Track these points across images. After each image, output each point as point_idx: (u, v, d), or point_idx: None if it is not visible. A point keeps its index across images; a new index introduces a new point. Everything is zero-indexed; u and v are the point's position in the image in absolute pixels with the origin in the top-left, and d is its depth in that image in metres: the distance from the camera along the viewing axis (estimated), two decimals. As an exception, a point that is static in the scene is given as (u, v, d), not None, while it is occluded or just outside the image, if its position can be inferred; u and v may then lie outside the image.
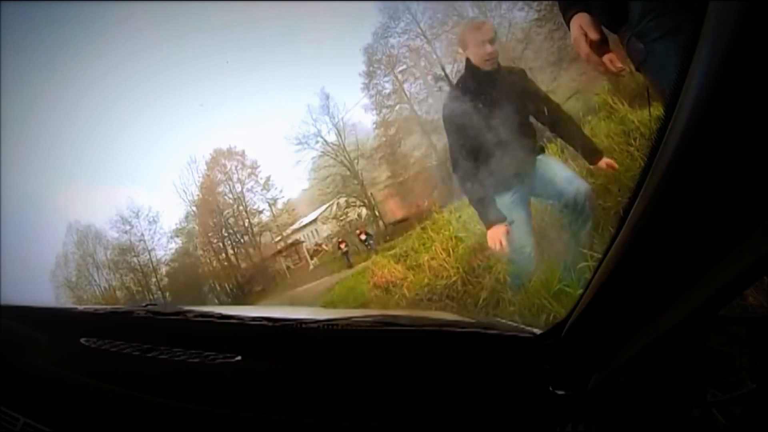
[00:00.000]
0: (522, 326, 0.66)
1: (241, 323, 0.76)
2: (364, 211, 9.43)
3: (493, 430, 0.55)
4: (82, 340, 0.78)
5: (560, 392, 0.52)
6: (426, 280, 3.78)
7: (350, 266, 8.16)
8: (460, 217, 4.35)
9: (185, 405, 0.61)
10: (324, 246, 9.31)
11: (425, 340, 0.67)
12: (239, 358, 0.69)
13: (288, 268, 9.80)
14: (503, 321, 1.01)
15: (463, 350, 0.63)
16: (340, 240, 8.83)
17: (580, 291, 0.50)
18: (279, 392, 0.63)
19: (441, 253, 3.87)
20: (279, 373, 0.67)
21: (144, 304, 0.89)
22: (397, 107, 9.07)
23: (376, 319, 0.75)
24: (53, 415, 0.61)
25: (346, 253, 8.54)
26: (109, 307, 0.93)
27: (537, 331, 0.60)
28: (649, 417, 0.49)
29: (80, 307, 0.99)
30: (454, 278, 3.25)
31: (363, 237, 8.68)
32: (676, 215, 0.29)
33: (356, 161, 9.43)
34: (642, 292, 0.37)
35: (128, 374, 0.69)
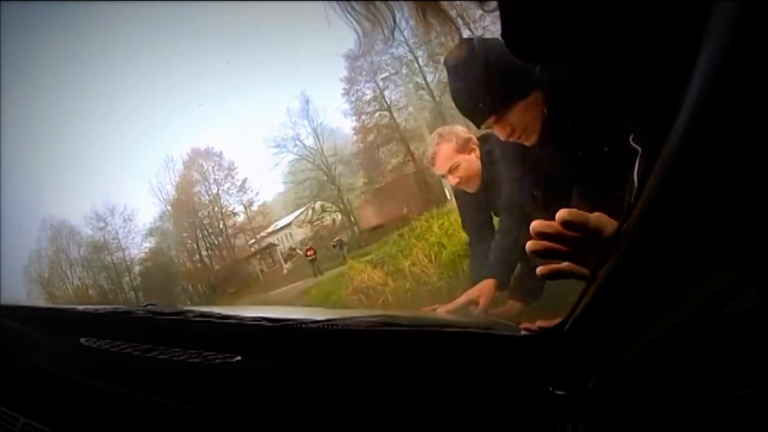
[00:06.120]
0: (522, 326, 0.66)
1: (241, 323, 0.76)
2: (339, 216, 9.37)
3: (492, 430, 0.55)
4: (82, 340, 0.78)
5: (560, 392, 0.52)
6: (407, 286, 3.77)
7: (317, 274, 8.03)
8: (442, 224, 4.31)
9: (185, 405, 0.61)
10: (298, 250, 9.25)
11: (425, 340, 0.67)
12: (239, 358, 0.69)
13: (261, 271, 9.73)
14: (503, 321, 1.01)
15: (464, 350, 0.63)
16: (307, 248, 8.71)
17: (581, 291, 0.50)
18: (279, 392, 0.63)
19: (423, 259, 3.85)
20: (279, 373, 0.67)
21: (144, 304, 0.89)
22: (377, 114, 9.02)
23: (376, 319, 0.75)
24: (53, 415, 0.61)
25: (313, 261, 8.41)
26: (109, 307, 0.93)
27: (537, 330, 0.60)
28: (650, 417, 0.49)
29: (80, 307, 0.99)
30: (438, 284, 3.24)
31: (335, 244, 8.61)
32: (677, 214, 0.29)
33: (334, 166, 9.38)
34: (643, 292, 0.37)
35: (128, 374, 0.69)
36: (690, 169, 0.26)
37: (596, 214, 0.50)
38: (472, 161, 1.50)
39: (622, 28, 0.33)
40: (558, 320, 0.54)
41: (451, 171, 1.51)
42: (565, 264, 0.53)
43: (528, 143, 1.11)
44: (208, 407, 0.60)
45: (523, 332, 0.62)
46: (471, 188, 1.53)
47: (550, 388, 0.52)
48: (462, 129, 1.56)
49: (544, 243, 0.50)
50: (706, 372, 0.48)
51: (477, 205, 1.56)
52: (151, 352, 0.72)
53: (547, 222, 0.49)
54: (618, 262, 0.38)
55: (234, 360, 0.68)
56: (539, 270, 0.56)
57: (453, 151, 1.50)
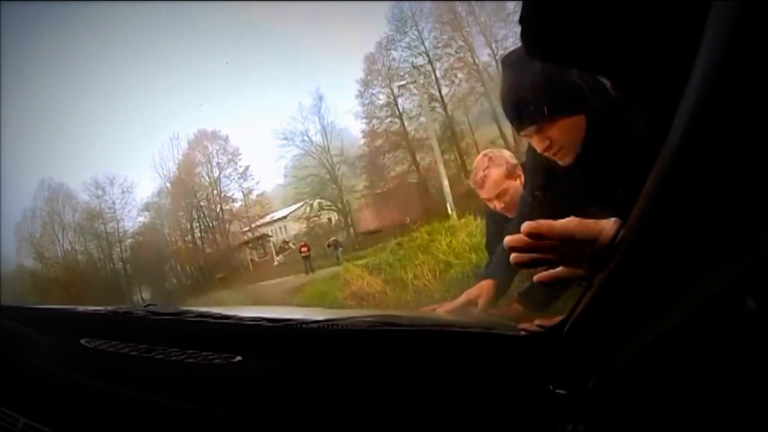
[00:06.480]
0: (522, 326, 0.66)
1: (241, 323, 0.77)
2: (336, 216, 9.35)
3: (493, 430, 0.55)
4: (82, 341, 0.78)
5: (560, 392, 0.52)
6: (408, 297, 3.75)
7: (309, 271, 7.97)
8: (450, 242, 4.29)
9: (185, 405, 0.61)
10: (291, 244, 9.22)
11: (425, 340, 0.67)
12: (239, 358, 0.69)
13: (252, 260, 9.69)
14: (503, 321, 1.01)
15: (463, 350, 0.63)
16: (302, 244, 8.64)
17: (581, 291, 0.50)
18: (279, 392, 0.63)
19: (427, 274, 3.83)
20: (279, 373, 0.67)
21: (144, 305, 0.89)
22: (388, 120, 9.06)
23: (376, 319, 0.75)
24: (53, 415, 0.61)
25: (306, 258, 8.32)
26: (109, 307, 0.93)
27: (537, 330, 0.60)
28: (650, 417, 0.49)
29: (80, 308, 0.99)
30: (441, 302, 3.23)
31: (330, 244, 8.56)
32: (678, 213, 0.29)
33: (338, 166, 9.38)
34: (643, 291, 0.37)
35: (128, 374, 0.69)
36: (690, 170, 0.26)
37: (564, 219, 0.52)
38: (518, 188, 1.49)
39: (626, 28, 0.33)
40: (558, 320, 0.54)
41: (498, 196, 1.50)
42: (560, 269, 0.54)
43: (562, 162, 1.11)
44: (208, 407, 0.60)
45: (523, 332, 0.62)
46: (512, 214, 1.50)
47: (551, 388, 0.52)
48: (509, 154, 1.54)
49: (524, 255, 0.53)
50: (706, 372, 0.48)
51: (508, 230, 1.55)
52: (151, 353, 0.72)
53: (518, 236, 0.52)
54: (618, 262, 0.38)
55: (234, 360, 0.68)
56: (536, 278, 0.57)
57: (503, 176, 1.49)
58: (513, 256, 0.54)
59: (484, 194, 1.55)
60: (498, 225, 1.59)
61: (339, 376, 0.64)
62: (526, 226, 0.52)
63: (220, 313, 0.80)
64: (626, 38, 0.34)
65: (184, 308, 0.88)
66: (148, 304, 0.89)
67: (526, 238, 0.52)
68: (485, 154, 1.57)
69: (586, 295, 0.47)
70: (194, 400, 0.62)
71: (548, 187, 1.22)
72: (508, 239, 0.54)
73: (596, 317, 0.46)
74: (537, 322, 0.60)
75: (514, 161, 1.51)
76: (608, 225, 0.49)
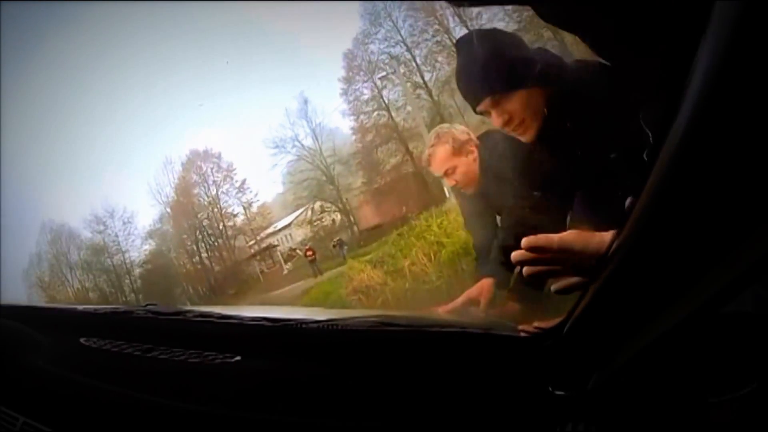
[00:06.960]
0: (522, 326, 0.66)
1: (241, 323, 0.77)
2: (338, 216, 9.37)
3: (492, 431, 0.55)
4: (82, 340, 0.78)
5: (560, 392, 0.52)
6: (407, 285, 3.76)
7: (317, 274, 8.01)
8: (441, 223, 4.30)
9: (185, 405, 0.61)
10: (298, 251, 9.25)
11: (425, 340, 0.67)
12: (239, 358, 0.69)
13: (261, 272, 9.71)
14: (503, 321, 1.00)
15: (463, 350, 0.63)
16: (307, 248, 8.68)
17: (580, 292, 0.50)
18: (279, 392, 0.63)
19: (422, 259, 3.85)
20: (279, 373, 0.67)
21: (144, 304, 0.89)
22: (375, 114, 9.02)
23: (376, 319, 0.75)
24: (53, 415, 0.61)
25: (313, 261, 8.35)
26: (109, 307, 0.93)
27: (537, 331, 0.60)
28: (649, 417, 0.49)
29: (80, 307, 0.99)
30: (437, 283, 3.23)
31: (335, 244, 8.60)
32: (678, 214, 0.29)
33: (332, 166, 9.38)
34: (643, 292, 0.37)
35: (128, 374, 0.69)
36: (690, 169, 0.26)
37: (564, 233, 0.54)
38: (469, 164, 1.47)
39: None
40: (557, 320, 0.54)
41: (447, 174, 1.49)
42: (574, 278, 0.56)
43: (524, 138, 1.09)
44: (207, 407, 0.60)
45: (523, 333, 0.62)
46: (469, 190, 1.51)
47: (550, 388, 0.52)
48: (461, 129, 1.52)
49: (535, 268, 0.56)
50: (706, 372, 0.48)
51: (478, 206, 1.54)
52: (151, 352, 0.72)
53: (521, 251, 0.55)
54: (618, 262, 0.38)
55: (234, 360, 0.68)
56: (553, 288, 0.59)
57: (449, 153, 1.47)
58: (525, 269, 0.56)
59: (433, 171, 1.55)
60: (469, 203, 1.59)
61: (339, 377, 0.64)
62: (525, 241, 0.54)
63: (220, 313, 0.80)
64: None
65: (185, 308, 0.88)
66: (148, 304, 0.89)
67: (528, 253, 0.53)
68: (434, 131, 1.56)
69: (585, 295, 0.47)
70: (194, 400, 0.62)
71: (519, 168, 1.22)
72: (515, 254, 0.56)
73: (596, 318, 0.46)
74: (536, 322, 0.60)
75: (464, 137, 1.48)
76: (607, 237, 0.50)
